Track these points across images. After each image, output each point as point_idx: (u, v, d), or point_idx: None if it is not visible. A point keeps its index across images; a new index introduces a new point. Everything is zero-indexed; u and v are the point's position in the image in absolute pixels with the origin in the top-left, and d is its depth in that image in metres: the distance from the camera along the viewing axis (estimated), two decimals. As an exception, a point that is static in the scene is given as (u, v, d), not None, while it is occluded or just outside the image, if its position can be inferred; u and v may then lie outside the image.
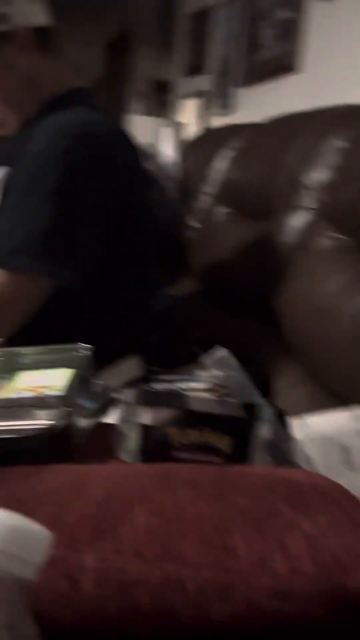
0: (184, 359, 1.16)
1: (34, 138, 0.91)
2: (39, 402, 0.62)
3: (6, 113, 0.97)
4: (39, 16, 0.94)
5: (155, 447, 0.58)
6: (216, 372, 0.80)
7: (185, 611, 0.32)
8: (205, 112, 2.63)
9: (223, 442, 0.57)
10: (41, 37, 0.94)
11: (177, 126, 2.37)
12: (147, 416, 0.59)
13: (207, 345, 1.02)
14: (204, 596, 0.33)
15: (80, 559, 0.35)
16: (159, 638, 0.32)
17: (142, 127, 2.35)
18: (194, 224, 1.51)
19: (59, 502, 0.39)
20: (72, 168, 0.87)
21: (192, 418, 0.59)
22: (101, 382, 0.96)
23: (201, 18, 2.71)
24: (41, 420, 0.58)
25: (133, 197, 1.00)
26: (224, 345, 0.84)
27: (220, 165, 1.51)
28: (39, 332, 0.89)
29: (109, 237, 0.95)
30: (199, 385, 0.75)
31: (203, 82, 2.66)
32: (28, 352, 0.78)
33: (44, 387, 0.69)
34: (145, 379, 0.93)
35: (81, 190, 0.89)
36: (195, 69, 2.82)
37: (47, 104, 0.97)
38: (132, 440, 0.60)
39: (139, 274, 1.07)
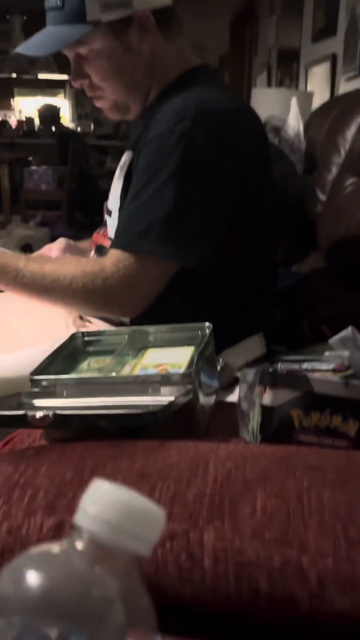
0: (310, 338, 1.12)
1: (154, 122, 0.92)
2: (163, 379, 0.63)
3: (129, 98, 0.99)
4: None
5: (276, 429, 0.57)
6: (343, 352, 0.76)
7: (306, 599, 0.32)
8: (334, 77, 2.49)
9: (349, 427, 0.55)
10: (162, 18, 0.94)
11: (305, 96, 2.27)
12: (269, 397, 0.58)
13: (334, 324, 0.98)
14: (325, 586, 0.32)
15: (200, 536, 0.35)
16: (277, 622, 0.32)
17: (268, 99, 2.28)
18: (321, 196, 1.44)
19: (180, 479, 0.40)
20: (192, 149, 0.87)
21: (316, 401, 0.57)
22: (224, 361, 0.97)
23: (330, -24, 2.55)
24: (165, 396, 0.60)
25: (257, 174, 0.98)
26: (353, 324, 0.80)
27: (350, 133, 1.42)
28: (164, 312, 0.91)
29: (232, 216, 0.94)
30: (324, 365, 0.72)
31: (332, 45, 2.51)
32: (153, 330, 0.80)
33: (168, 364, 0.71)
34: (269, 358, 0.92)
35: (202, 171, 0.89)
36: (323, 33, 2.67)
37: (169, 85, 0.97)
38: (253, 420, 0.60)
39: (263, 252, 1.05)
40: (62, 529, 0.38)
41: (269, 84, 3.87)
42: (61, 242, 1.19)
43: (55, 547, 0.22)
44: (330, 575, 0.32)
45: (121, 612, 0.21)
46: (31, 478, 0.42)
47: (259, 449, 0.46)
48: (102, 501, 0.22)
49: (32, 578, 0.21)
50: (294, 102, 1.79)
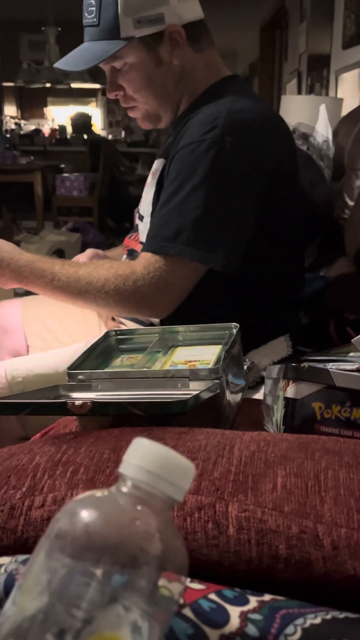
0: (336, 341, 1.15)
1: (185, 130, 0.96)
2: (192, 374, 0.67)
3: (161, 108, 1.04)
4: (189, 12, 0.98)
5: (299, 420, 0.60)
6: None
7: (320, 562, 0.35)
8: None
9: (368, 419, 0.58)
10: (192, 31, 0.98)
11: (334, 102, 2.28)
12: (292, 390, 0.61)
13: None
14: (339, 551, 0.35)
15: (225, 508, 0.39)
16: (295, 583, 0.35)
17: (297, 106, 2.30)
18: (349, 202, 1.46)
19: (207, 458, 0.43)
20: (221, 158, 0.91)
21: (337, 394, 0.60)
22: (251, 361, 1.00)
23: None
24: (192, 390, 0.63)
25: (284, 181, 1.01)
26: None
27: (378, 139, 1.44)
28: (193, 313, 0.95)
29: (260, 221, 0.97)
30: (348, 365, 0.74)
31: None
32: (183, 329, 0.84)
33: (196, 361, 0.74)
34: (295, 358, 0.95)
35: (230, 178, 0.93)
36: (354, 40, 2.69)
37: (200, 95, 1.02)
38: (277, 413, 0.63)
39: (290, 256, 1.08)
40: (100, 501, 0.42)
41: (299, 91, 3.89)
42: (88, 251, 1.24)
43: (103, 492, 0.26)
44: (343, 542, 0.35)
45: (159, 545, 0.25)
46: (72, 456, 0.47)
47: (281, 436, 0.49)
48: (142, 454, 0.26)
49: (85, 515, 0.25)
50: (322, 109, 1.81)
